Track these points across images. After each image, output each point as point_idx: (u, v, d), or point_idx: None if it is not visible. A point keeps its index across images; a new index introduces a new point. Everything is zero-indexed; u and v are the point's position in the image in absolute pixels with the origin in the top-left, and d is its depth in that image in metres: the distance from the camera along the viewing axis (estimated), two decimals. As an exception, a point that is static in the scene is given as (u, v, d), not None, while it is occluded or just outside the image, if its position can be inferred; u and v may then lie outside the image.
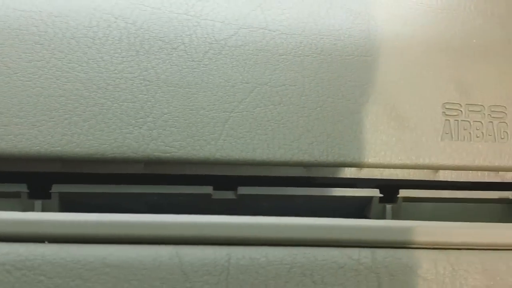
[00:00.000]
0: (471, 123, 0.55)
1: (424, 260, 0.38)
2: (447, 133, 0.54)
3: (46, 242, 0.35)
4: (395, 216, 0.54)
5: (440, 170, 0.55)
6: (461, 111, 0.54)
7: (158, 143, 0.48)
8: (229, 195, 0.52)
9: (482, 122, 0.55)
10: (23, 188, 0.48)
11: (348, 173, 0.53)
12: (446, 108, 0.54)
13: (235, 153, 0.49)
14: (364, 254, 0.38)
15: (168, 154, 0.48)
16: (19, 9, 0.48)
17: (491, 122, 0.55)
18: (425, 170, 0.54)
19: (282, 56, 0.52)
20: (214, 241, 0.37)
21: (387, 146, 0.52)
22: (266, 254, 0.37)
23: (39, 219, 0.35)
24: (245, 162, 0.50)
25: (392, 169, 0.53)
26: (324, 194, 0.53)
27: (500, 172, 0.55)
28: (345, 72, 0.52)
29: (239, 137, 0.49)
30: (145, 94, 0.48)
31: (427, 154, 0.53)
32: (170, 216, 0.37)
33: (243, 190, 0.51)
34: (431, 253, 0.39)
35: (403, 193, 0.54)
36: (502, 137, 0.55)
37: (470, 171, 0.55)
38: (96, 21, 0.49)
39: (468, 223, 0.44)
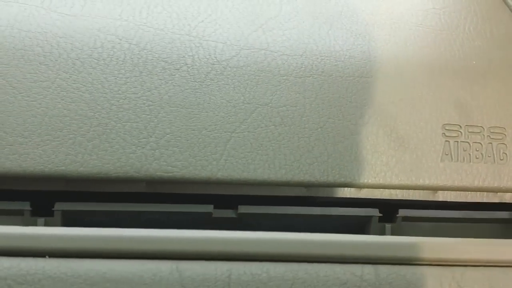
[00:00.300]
0: (471, 144, 0.56)
1: (429, 277, 0.38)
2: (447, 154, 0.55)
3: (47, 256, 0.35)
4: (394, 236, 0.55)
5: (439, 191, 0.56)
6: (460, 132, 0.56)
7: (160, 163, 0.49)
8: (229, 213, 0.53)
9: (482, 143, 0.56)
10: (26, 206, 0.49)
11: (348, 193, 0.54)
12: (446, 129, 0.55)
13: (237, 173, 0.50)
14: (367, 270, 0.38)
15: (170, 174, 0.49)
16: (24, 30, 0.49)
17: (491, 143, 0.56)
18: (424, 191, 0.55)
19: (283, 77, 0.53)
20: (214, 257, 0.37)
21: (387, 167, 0.53)
22: (267, 270, 0.37)
23: (40, 233, 0.36)
24: (246, 182, 0.51)
25: (392, 189, 0.54)
26: (324, 214, 0.54)
27: (498, 193, 0.57)
28: (346, 93, 0.54)
29: (241, 157, 0.51)
30: (148, 115, 0.49)
31: (426, 174, 0.54)
32: (171, 231, 0.38)
33: (244, 209, 0.53)
34: (436, 269, 0.39)
35: (402, 212, 0.55)
36: (501, 158, 0.56)
37: (469, 192, 0.57)
38: (101, 42, 0.50)
39: (473, 239, 0.44)
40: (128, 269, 0.35)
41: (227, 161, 0.50)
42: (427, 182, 0.54)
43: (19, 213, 0.49)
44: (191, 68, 0.51)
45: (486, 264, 0.39)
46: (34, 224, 0.49)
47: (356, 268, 0.38)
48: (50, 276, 0.34)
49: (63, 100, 0.48)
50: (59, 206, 0.49)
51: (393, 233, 0.55)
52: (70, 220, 0.50)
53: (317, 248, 0.38)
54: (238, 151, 0.51)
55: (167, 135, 0.49)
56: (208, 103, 0.51)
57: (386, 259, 0.38)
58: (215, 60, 0.52)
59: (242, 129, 0.51)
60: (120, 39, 0.51)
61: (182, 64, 0.51)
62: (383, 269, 0.38)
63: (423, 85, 0.56)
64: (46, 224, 0.49)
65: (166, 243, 0.37)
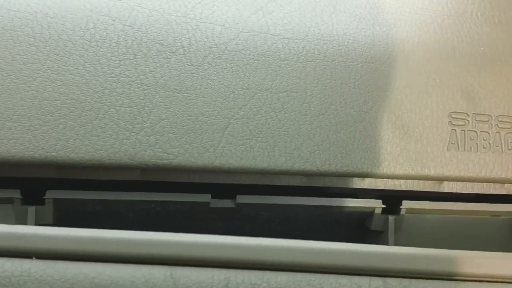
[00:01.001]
0: (478, 133, 0.56)
1: (442, 292, 0.36)
2: (453, 143, 0.55)
3: (33, 258, 0.34)
4: (397, 228, 0.55)
5: (445, 181, 0.56)
6: (468, 120, 0.55)
7: (155, 150, 0.49)
8: (227, 203, 0.52)
9: (489, 132, 0.56)
10: (16, 194, 0.48)
11: (351, 183, 0.54)
12: (453, 118, 0.55)
13: (235, 160, 0.50)
14: (375, 283, 0.36)
15: (165, 161, 0.49)
16: (13, 10, 0.49)
17: (498, 132, 0.56)
18: (429, 181, 0.55)
19: (284, 62, 0.53)
20: (211, 263, 0.36)
21: (391, 156, 0.53)
22: (267, 279, 0.36)
23: (27, 233, 0.35)
24: (244, 170, 0.50)
25: (395, 179, 0.54)
26: (324, 204, 0.54)
27: (506, 184, 0.56)
28: (349, 78, 0.53)
29: (239, 144, 0.50)
30: (142, 99, 0.49)
31: (432, 164, 0.54)
32: (165, 234, 0.36)
33: (242, 199, 0.52)
34: (449, 284, 0.37)
35: (406, 204, 0.55)
36: (510, 148, 0.56)
37: (476, 183, 0.56)
38: (93, 23, 0.50)
39: (491, 253, 0.41)
40: (119, 273, 0.34)
41: (225, 149, 0.50)
42: (432, 172, 0.54)
43: (9, 201, 0.48)
44: (187, 51, 0.51)
45: (503, 280, 0.37)
46: (25, 212, 0.48)
47: (364, 281, 0.36)
48: (36, 279, 0.33)
49: (53, 83, 0.48)
50: (50, 194, 0.49)
51: (396, 225, 0.55)
52: (62, 209, 0.49)
53: (322, 257, 0.36)
54: (236, 138, 0.50)
55: (163, 121, 0.49)
56: (206, 88, 0.50)
57: (396, 271, 0.36)
58: (212, 43, 0.52)
59: (241, 115, 0.51)
60: (113, 20, 0.50)
61: (179, 47, 0.51)
62: (392, 282, 0.36)
63: (429, 72, 0.55)
64: (37, 212, 0.48)
65: (160, 247, 0.35)
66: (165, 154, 0.49)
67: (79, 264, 0.34)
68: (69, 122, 0.47)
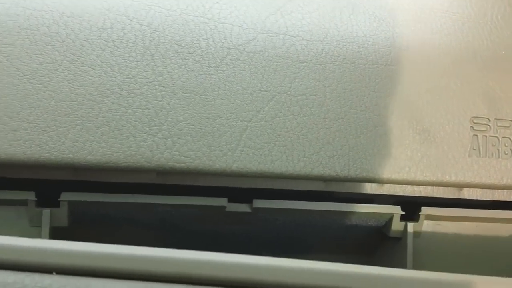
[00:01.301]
0: (500, 139, 0.55)
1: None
2: (475, 149, 0.54)
3: (54, 273, 0.34)
4: (416, 235, 0.55)
5: (465, 188, 0.55)
6: (489, 126, 0.55)
7: (172, 152, 0.48)
8: (244, 208, 0.52)
9: (511, 138, 0.55)
10: (31, 196, 0.48)
11: (369, 188, 0.54)
12: (474, 123, 0.55)
13: (253, 164, 0.50)
14: None
15: (182, 164, 0.48)
16: (29, 8, 0.49)
17: (521, 138, 0.56)
18: (449, 188, 0.55)
19: (303, 64, 0.52)
20: (220, 283, 0.34)
21: (411, 162, 0.53)
22: None
23: (47, 247, 0.34)
24: (262, 175, 0.50)
25: (415, 185, 0.54)
26: (342, 210, 0.54)
27: (528, 191, 0.56)
28: (369, 81, 0.53)
29: (257, 148, 0.50)
30: (160, 101, 0.49)
31: (453, 170, 0.53)
32: (198, 254, 0.34)
33: (259, 203, 0.52)
34: None
35: (425, 210, 0.55)
36: (531, 154, 0.56)
37: (496, 190, 0.56)
38: (110, 23, 0.49)
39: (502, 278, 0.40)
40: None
41: (242, 152, 0.50)
42: (453, 178, 0.54)
43: (24, 203, 0.48)
44: (205, 52, 0.51)
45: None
46: (39, 215, 0.48)
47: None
48: (57, 295, 0.33)
49: (70, 83, 0.48)
50: (65, 197, 0.49)
51: (415, 232, 0.55)
52: (76, 211, 0.49)
53: (330, 280, 0.34)
54: (254, 141, 0.50)
55: (180, 123, 0.49)
56: (223, 90, 0.50)
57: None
58: (231, 44, 0.51)
59: (259, 118, 0.51)
60: (131, 20, 0.50)
61: (196, 48, 0.51)
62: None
63: (450, 75, 0.55)
64: (52, 215, 0.48)
65: (186, 266, 0.34)
66: (182, 157, 0.49)
67: (102, 281, 0.34)
68: (86, 124, 0.47)
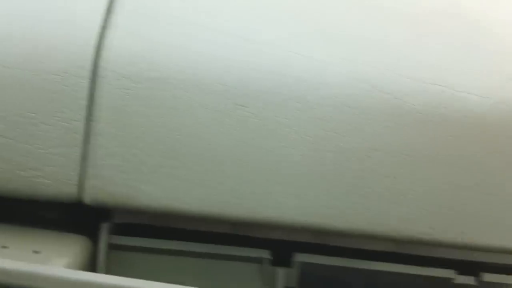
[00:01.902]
0: None
1: None
2: None
3: None
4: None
5: None
6: None
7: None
8: (471, 280, 0.52)
9: None
10: (266, 254, 0.50)
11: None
12: None
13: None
14: None
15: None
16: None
17: None
18: None
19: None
20: None
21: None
22: None
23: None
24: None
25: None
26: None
27: None
28: None
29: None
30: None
31: None
32: None
33: (488, 277, 0.51)
34: None
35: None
36: None
37: None
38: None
39: None
40: None
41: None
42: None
43: (258, 261, 0.50)
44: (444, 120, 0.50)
45: None
46: (273, 273, 0.50)
47: None
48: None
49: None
50: (299, 258, 0.50)
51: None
52: (308, 273, 0.50)
53: None
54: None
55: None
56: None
57: None
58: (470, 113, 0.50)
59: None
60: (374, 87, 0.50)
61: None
62: None
63: None
64: (285, 275, 0.50)
65: None
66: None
67: None
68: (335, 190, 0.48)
